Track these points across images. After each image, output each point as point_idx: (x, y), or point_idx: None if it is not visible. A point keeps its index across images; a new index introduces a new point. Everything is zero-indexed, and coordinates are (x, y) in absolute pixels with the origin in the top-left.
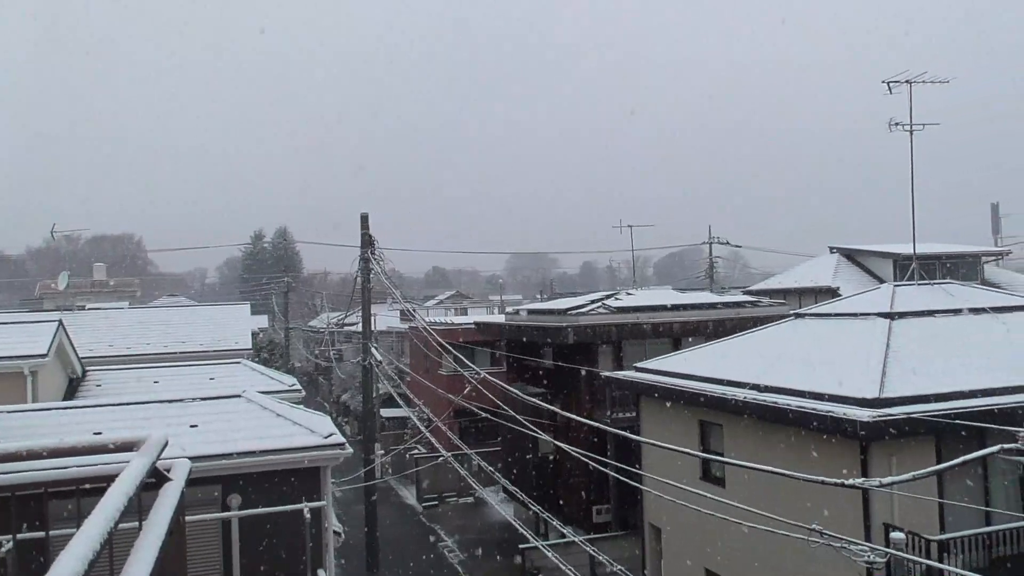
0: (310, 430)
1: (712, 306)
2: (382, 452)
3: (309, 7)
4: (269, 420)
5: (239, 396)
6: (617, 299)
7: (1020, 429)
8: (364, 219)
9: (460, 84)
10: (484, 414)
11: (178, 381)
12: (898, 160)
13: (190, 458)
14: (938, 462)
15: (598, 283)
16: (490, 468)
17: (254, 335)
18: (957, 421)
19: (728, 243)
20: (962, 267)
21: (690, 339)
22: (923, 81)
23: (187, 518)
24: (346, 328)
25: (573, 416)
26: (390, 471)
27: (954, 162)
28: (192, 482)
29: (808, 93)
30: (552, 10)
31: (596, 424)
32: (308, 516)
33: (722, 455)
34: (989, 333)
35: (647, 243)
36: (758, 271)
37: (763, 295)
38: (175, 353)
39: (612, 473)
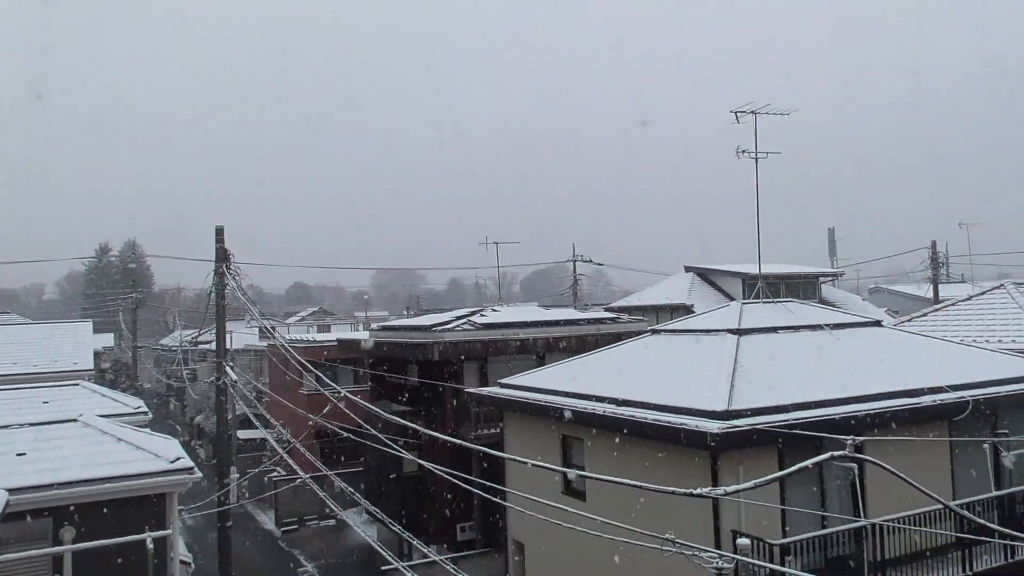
0: (155, 455)
1: (575, 322)
2: (238, 476)
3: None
4: (109, 445)
5: (75, 420)
6: (483, 315)
7: (848, 437)
8: (219, 232)
9: (320, 95)
10: (346, 434)
11: (5, 406)
12: (752, 185)
13: (12, 489)
14: (781, 470)
15: (465, 299)
16: (350, 489)
17: (98, 355)
18: (795, 431)
19: (591, 261)
20: (803, 287)
21: (554, 354)
22: (767, 112)
23: (10, 555)
24: (200, 346)
25: (435, 434)
26: (247, 495)
27: (801, 188)
28: (16, 515)
29: (669, 118)
30: (396, 19)
31: (457, 441)
32: (151, 547)
33: (583, 469)
34: (825, 348)
35: (514, 260)
36: (619, 289)
37: (623, 312)
38: (3, 376)
39: (476, 490)
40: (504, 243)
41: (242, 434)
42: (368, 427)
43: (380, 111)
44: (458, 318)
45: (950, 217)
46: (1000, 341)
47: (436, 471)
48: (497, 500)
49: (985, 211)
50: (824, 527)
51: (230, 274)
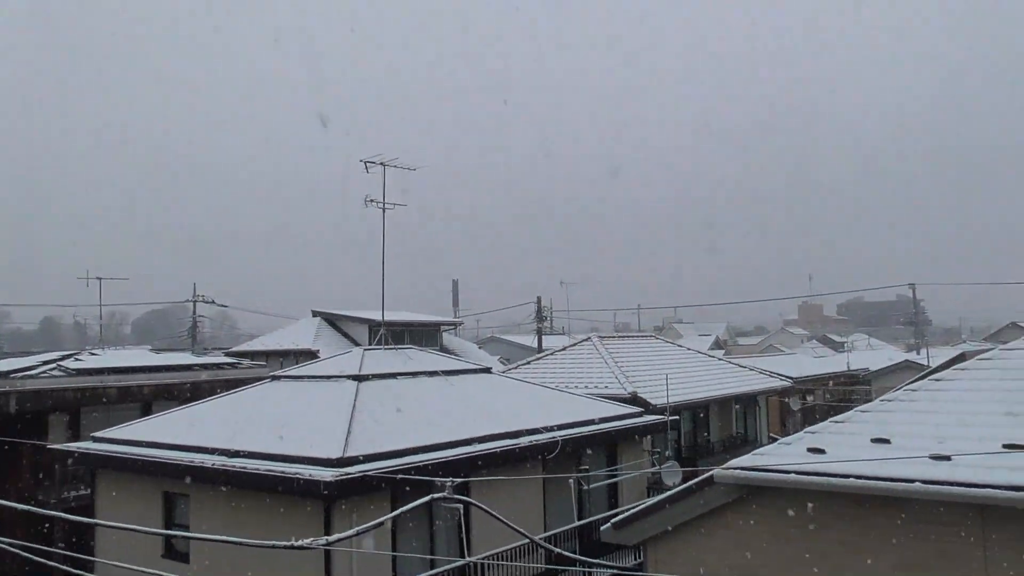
0: None
1: (189, 368)
2: None
3: None
4: None
5: None
6: (79, 360)
7: (448, 479)
8: None
9: None
10: None
11: None
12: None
13: None
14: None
15: (63, 341)
16: None
17: None
18: (403, 476)
19: (214, 302)
20: (425, 334)
21: (164, 403)
22: (395, 166)
23: None
24: None
25: (4, 502)
26: None
27: (435, 238)
28: None
29: (308, 160)
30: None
31: (26, 508)
32: None
33: (187, 528)
34: (439, 393)
35: (125, 298)
36: (246, 332)
37: (246, 356)
38: None
39: (58, 564)
40: (110, 279)
41: None
42: None
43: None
44: (45, 363)
45: (558, 275)
46: (585, 387)
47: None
48: (80, 573)
49: (582, 272)
50: (433, 568)
51: None
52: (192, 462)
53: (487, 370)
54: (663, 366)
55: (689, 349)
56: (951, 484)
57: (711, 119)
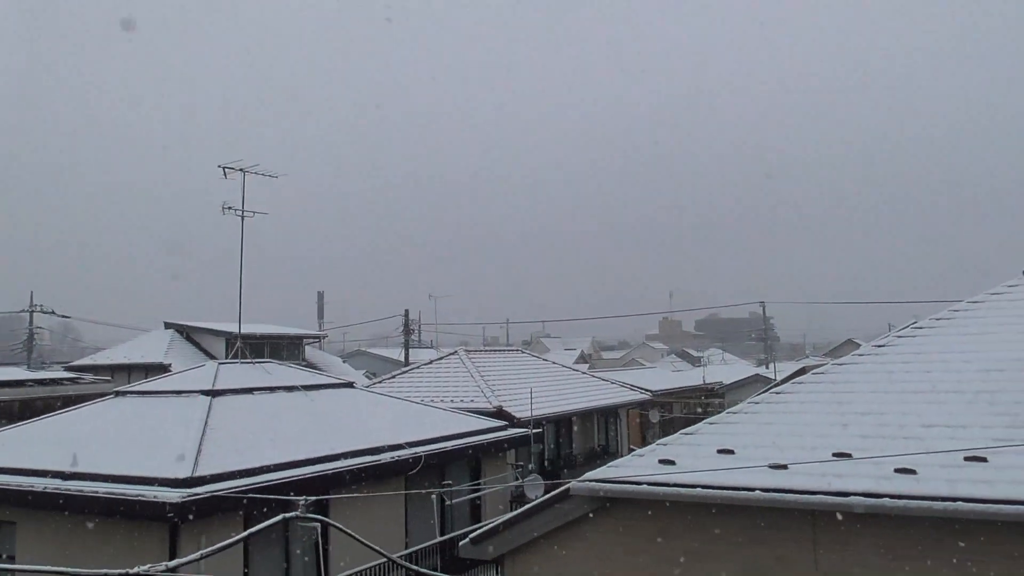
0: None
1: (20, 383)
2: None
3: None
4: None
5: None
6: None
7: (302, 498)
8: None
9: None
10: None
11: None
12: (253, 241)
13: None
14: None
15: None
16: None
17: None
18: (255, 495)
19: (55, 313)
20: (287, 348)
21: None
22: (255, 172)
23: None
24: None
25: None
26: None
27: (295, 249)
28: None
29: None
30: None
31: None
32: None
33: (13, 560)
34: (299, 409)
35: None
36: (92, 345)
37: (89, 371)
38: None
39: None
40: None
41: None
42: None
43: None
44: None
45: (429, 288)
46: (452, 401)
47: None
48: None
49: (453, 285)
50: None
51: None
52: (20, 486)
53: (350, 385)
54: (529, 380)
55: (554, 363)
56: (787, 492)
57: (583, 135)
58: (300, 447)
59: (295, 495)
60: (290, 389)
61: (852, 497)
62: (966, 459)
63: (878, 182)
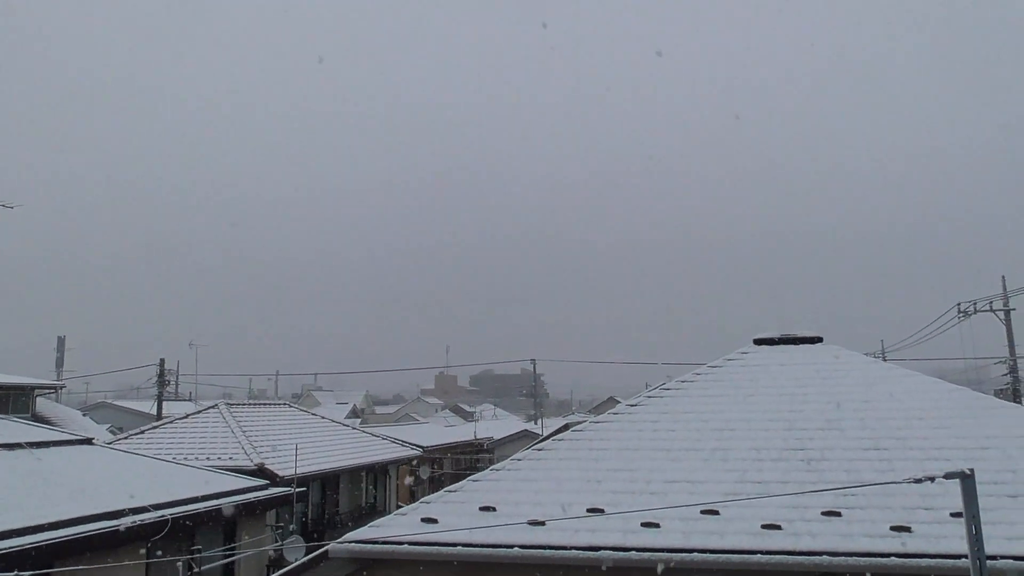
0: None
1: None
2: None
3: None
4: None
5: None
6: None
7: (13, 573)
8: None
9: None
10: None
11: None
12: None
13: None
14: None
15: None
16: None
17: None
18: None
19: None
20: (14, 399)
21: None
22: None
23: None
24: None
25: None
26: None
27: (35, 291)
28: None
29: None
30: None
31: None
32: None
33: None
34: (23, 470)
35: None
36: None
37: None
38: None
39: None
40: None
41: None
42: None
43: None
44: None
45: (189, 336)
46: (209, 458)
47: None
48: None
49: (218, 334)
50: None
51: None
52: None
53: (88, 441)
54: (295, 436)
55: (324, 418)
56: (543, 547)
57: (364, 187)
58: (20, 514)
59: (7, 571)
60: (11, 447)
61: (602, 552)
62: (702, 512)
63: (639, 250)
